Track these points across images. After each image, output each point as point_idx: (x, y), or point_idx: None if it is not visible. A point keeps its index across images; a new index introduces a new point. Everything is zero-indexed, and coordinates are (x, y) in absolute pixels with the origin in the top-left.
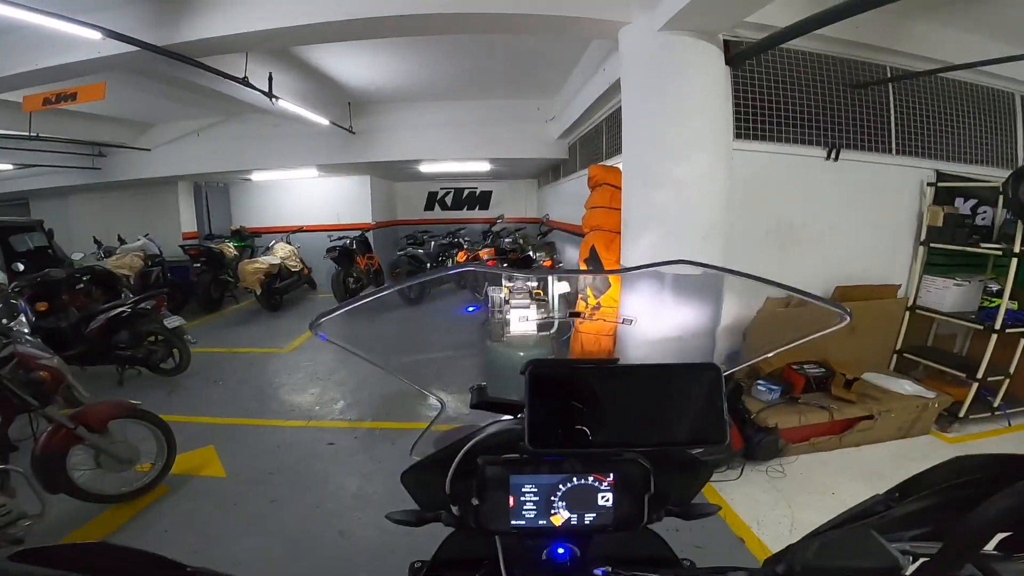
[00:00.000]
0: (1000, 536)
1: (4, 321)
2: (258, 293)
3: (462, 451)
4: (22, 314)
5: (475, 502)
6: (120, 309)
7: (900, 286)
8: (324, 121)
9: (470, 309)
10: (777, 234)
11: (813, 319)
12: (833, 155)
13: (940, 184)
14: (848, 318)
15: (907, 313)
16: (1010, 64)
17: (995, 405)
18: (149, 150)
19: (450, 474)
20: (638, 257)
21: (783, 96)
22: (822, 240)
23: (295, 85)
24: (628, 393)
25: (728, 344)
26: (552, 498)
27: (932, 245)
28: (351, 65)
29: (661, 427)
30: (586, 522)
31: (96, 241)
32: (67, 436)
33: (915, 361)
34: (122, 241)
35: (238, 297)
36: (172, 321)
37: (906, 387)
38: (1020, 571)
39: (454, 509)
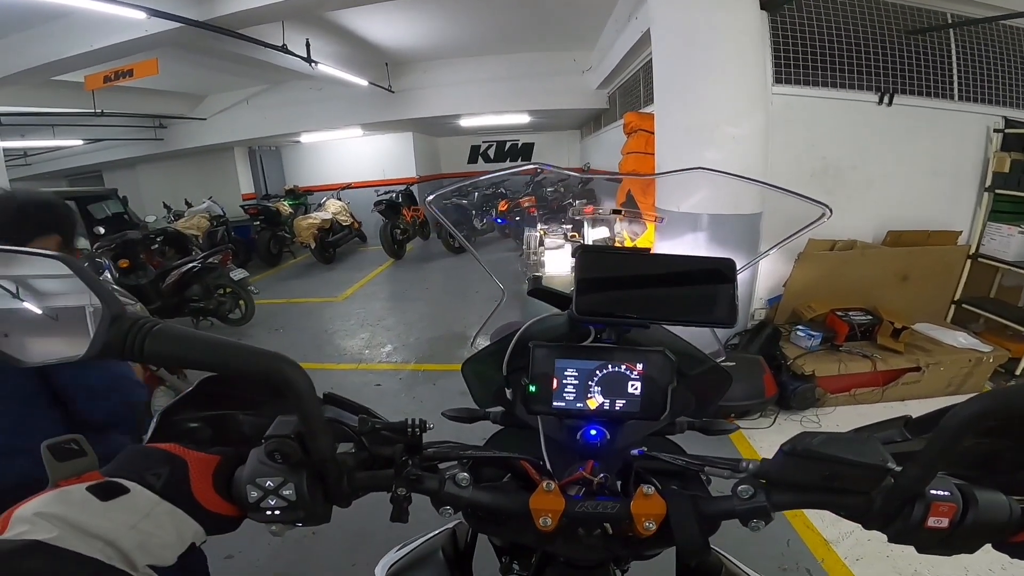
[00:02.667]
0: None
1: None
2: (313, 247)
3: (519, 332)
4: (106, 271)
5: (525, 382)
6: (191, 264)
7: (960, 233)
8: (363, 82)
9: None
10: (824, 177)
11: (863, 262)
12: (886, 100)
13: (1008, 131)
14: (829, 211)
15: (968, 261)
16: None
17: None
18: (204, 119)
19: (508, 352)
20: (674, 202)
21: (828, 40)
22: (873, 184)
23: (332, 49)
24: (656, 278)
25: (768, 289)
26: (589, 383)
27: (998, 192)
28: (385, 27)
29: (682, 307)
30: (617, 408)
31: (166, 206)
32: (149, 378)
33: (975, 313)
34: (188, 204)
35: (295, 252)
36: (237, 274)
37: (960, 340)
38: (994, 499)
39: (507, 392)
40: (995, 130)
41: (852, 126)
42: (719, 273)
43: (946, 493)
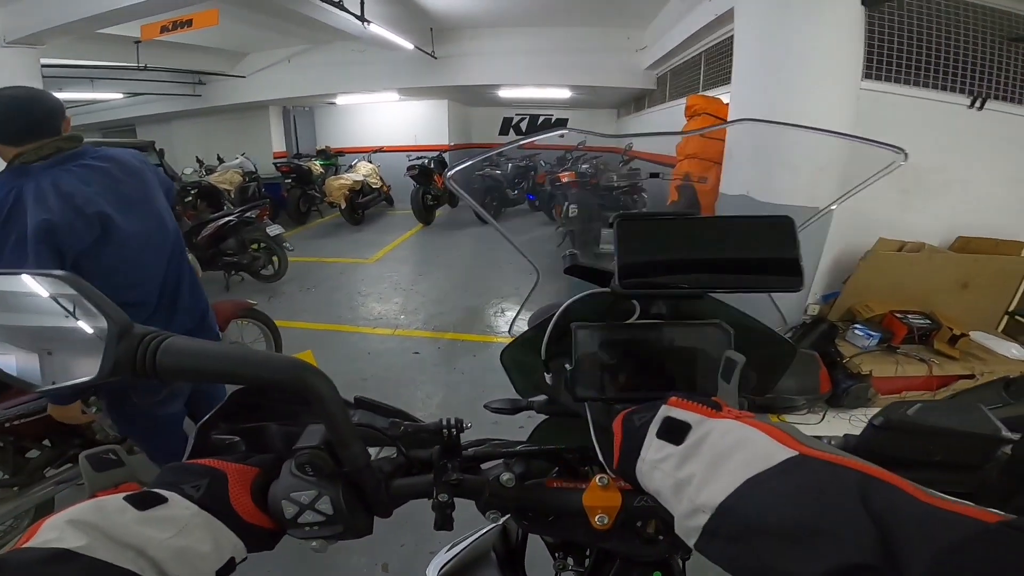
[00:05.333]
0: None
1: None
2: (343, 207)
3: (556, 313)
4: None
5: (568, 367)
6: (228, 218)
7: None
8: (409, 45)
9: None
10: (902, 176)
11: (928, 265)
12: (977, 104)
13: None
14: (904, 155)
15: None
16: None
17: None
18: (244, 77)
19: (547, 335)
20: (741, 186)
21: (925, 42)
22: (951, 188)
23: (382, 10)
24: (708, 244)
25: (824, 284)
26: None
27: None
28: None
29: (739, 273)
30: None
31: (198, 160)
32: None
33: None
34: (221, 160)
35: (323, 211)
36: (274, 229)
37: (1013, 351)
38: None
39: (548, 378)
40: None
41: (938, 128)
42: (777, 233)
43: None
